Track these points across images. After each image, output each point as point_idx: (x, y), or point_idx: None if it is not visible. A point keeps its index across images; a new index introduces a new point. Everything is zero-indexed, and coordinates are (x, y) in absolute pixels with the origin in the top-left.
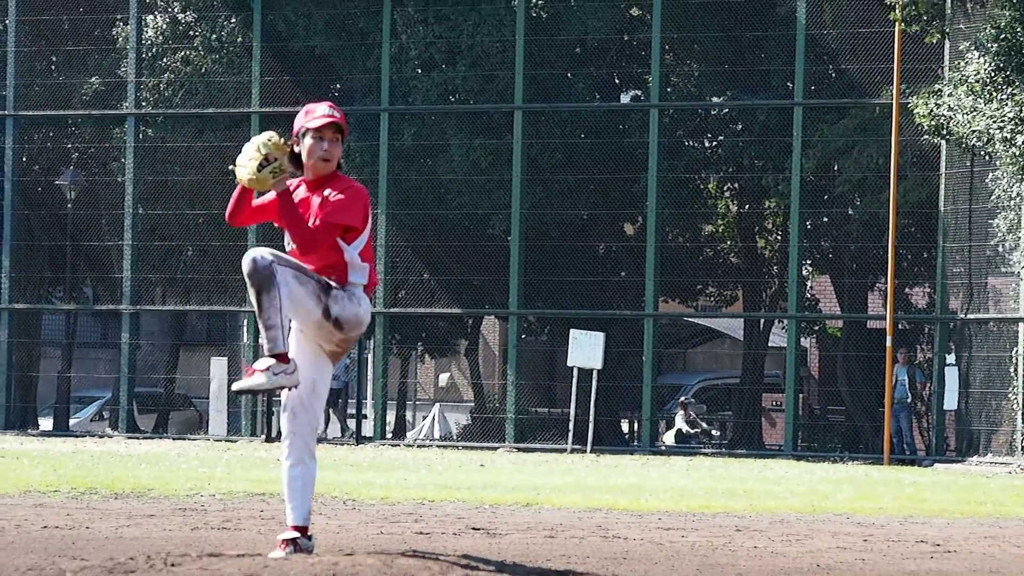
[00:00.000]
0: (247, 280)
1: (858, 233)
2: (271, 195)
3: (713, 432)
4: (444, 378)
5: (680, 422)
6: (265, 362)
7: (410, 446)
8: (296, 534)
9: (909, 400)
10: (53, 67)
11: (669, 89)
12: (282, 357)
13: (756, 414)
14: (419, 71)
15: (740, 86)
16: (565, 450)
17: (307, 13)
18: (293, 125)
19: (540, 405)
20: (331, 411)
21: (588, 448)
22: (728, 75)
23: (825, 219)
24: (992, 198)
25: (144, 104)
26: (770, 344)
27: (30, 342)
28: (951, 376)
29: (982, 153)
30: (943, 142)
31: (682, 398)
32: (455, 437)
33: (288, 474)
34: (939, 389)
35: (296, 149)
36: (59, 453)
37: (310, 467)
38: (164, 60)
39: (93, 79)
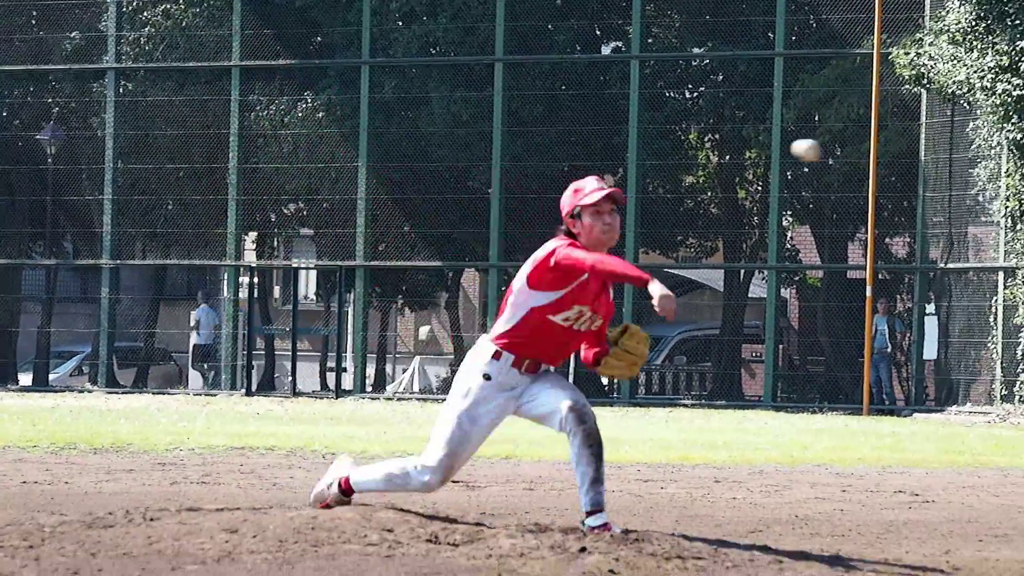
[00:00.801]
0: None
1: (838, 183)
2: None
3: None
4: (424, 331)
5: None
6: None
7: (390, 399)
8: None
9: (889, 350)
10: (33, 21)
11: (650, 40)
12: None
13: (736, 365)
14: (400, 23)
15: (721, 37)
16: None
17: None
18: (561, 210)
19: None
20: (200, 367)
21: None
22: (709, 26)
23: (805, 169)
24: (972, 147)
25: (124, 58)
26: (750, 295)
27: (10, 297)
28: (931, 326)
29: (963, 102)
30: (924, 92)
31: None
32: (435, 390)
33: (398, 466)
34: (919, 339)
35: (575, 230)
36: (38, 408)
37: (414, 477)
38: (144, 14)
39: (73, 33)
